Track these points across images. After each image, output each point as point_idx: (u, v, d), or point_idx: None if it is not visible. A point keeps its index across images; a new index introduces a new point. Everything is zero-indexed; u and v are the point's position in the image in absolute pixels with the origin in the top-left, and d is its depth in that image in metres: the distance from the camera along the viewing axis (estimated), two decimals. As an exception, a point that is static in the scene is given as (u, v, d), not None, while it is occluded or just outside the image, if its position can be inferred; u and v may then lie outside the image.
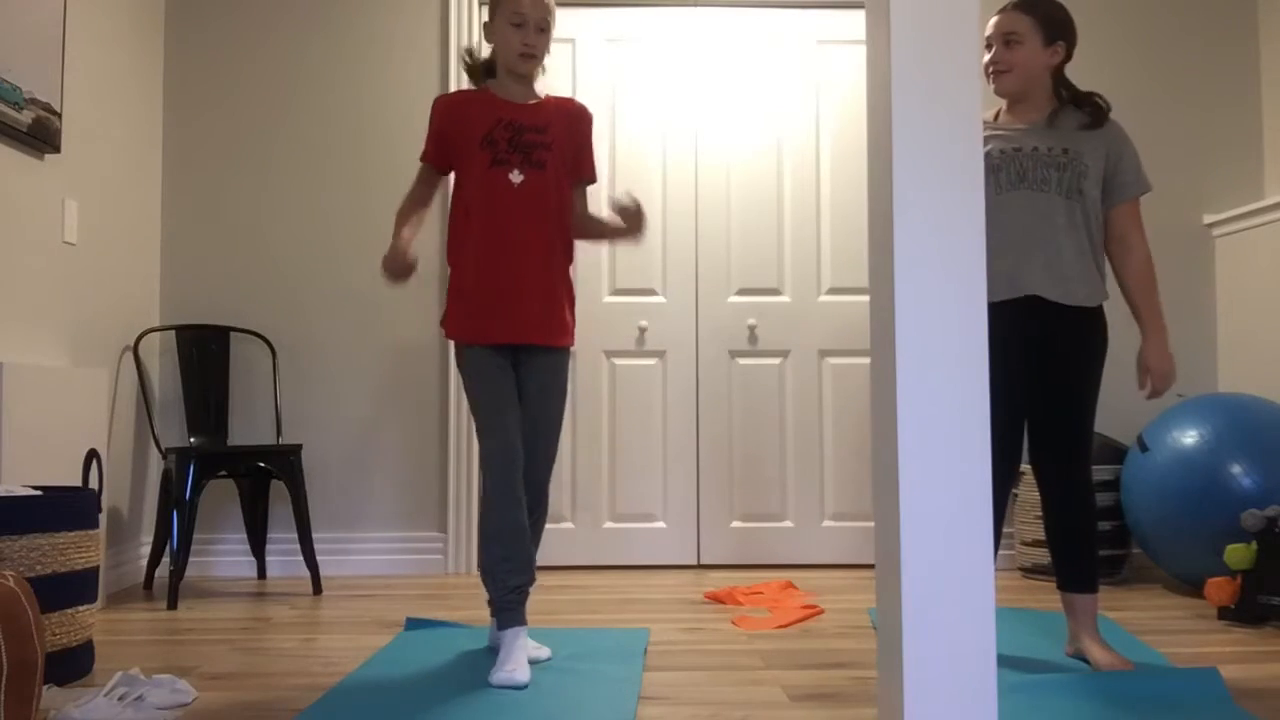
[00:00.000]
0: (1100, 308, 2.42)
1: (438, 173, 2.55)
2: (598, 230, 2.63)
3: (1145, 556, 3.62)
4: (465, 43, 3.92)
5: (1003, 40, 2.43)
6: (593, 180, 2.61)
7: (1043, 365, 2.39)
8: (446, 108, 2.52)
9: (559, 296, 2.48)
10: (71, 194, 3.25)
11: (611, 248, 3.99)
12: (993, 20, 2.46)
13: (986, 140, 2.42)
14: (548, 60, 2.51)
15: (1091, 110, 2.43)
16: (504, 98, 2.49)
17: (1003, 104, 2.52)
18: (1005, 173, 2.39)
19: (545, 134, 2.46)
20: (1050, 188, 2.37)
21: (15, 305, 2.96)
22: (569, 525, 3.96)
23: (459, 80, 3.90)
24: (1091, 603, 2.41)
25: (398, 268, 2.34)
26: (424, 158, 2.54)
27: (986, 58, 2.47)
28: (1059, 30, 2.43)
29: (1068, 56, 2.45)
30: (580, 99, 4.00)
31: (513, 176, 2.41)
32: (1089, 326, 2.41)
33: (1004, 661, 2.42)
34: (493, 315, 2.41)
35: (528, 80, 2.51)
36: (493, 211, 2.41)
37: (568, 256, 2.52)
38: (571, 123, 2.53)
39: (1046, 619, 2.90)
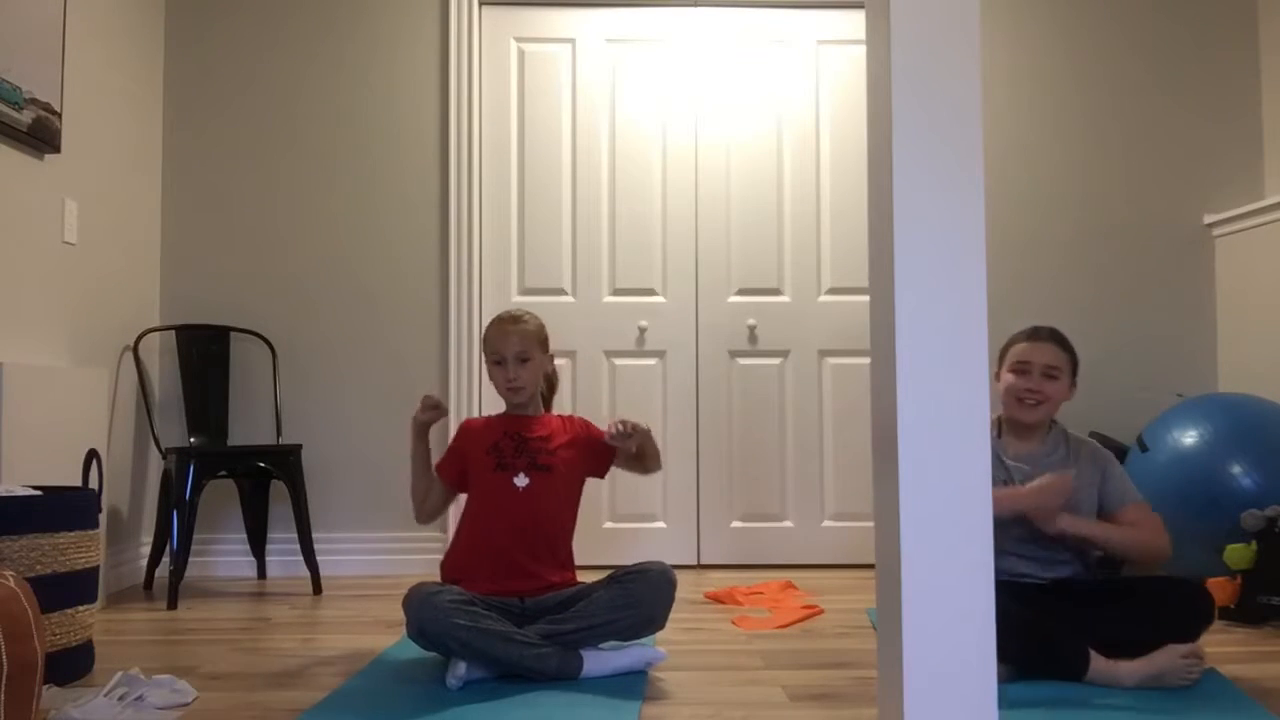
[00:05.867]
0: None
1: (442, 483, 2.57)
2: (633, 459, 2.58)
3: (1145, 556, 3.61)
4: (465, 45, 3.93)
5: (1043, 371, 2.50)
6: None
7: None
8: (466, 430, 2.60)
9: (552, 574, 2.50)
10: (71, 194, 3.25)
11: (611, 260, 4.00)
12: (1025, 345, 2.54)
13: (1004, 468, 2.51)
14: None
15: (1073, 444, 2.57)
16: (514, 415, 2.58)
17: (998, 413, 2.60)
18: None
19: (550, 441, 2.53)
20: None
21: (15, 305, 2.96)
22: (569, 525, 3.95)
23: (459, 81, 3.91)
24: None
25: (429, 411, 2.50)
26: (436, 467, 2.58)
27: (1017, 381, 2.52)
28: (1077, 372, 2.57)
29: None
30: (580, 98, 4.07)
31: (517, 480, 2.46)
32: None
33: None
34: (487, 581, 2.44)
35: (528, 405, 2.57)
36: (496, 514, 2.46)
37: (568, 545, 2.55)
38: (575, 430, 2.59)
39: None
